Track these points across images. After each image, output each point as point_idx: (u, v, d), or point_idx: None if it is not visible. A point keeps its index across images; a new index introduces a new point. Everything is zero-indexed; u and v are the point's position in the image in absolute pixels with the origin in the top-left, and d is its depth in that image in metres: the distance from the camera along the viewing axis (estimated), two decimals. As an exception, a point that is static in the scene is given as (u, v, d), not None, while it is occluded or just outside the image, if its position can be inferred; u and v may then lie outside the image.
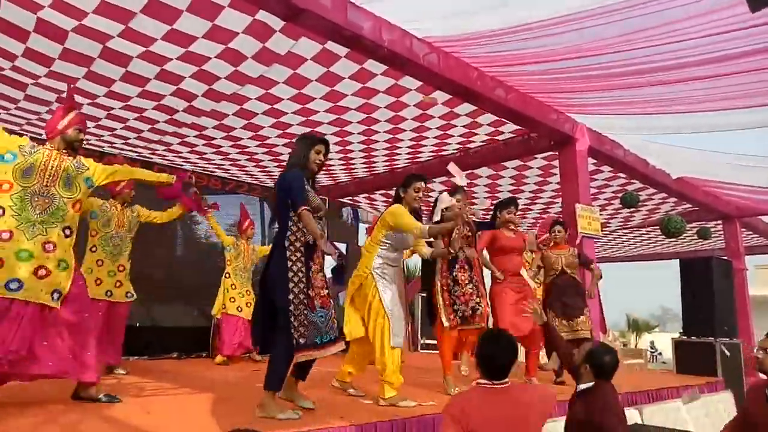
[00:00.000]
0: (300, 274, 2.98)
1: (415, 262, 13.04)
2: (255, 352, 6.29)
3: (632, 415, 3.68)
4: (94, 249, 4.86)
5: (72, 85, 4.35)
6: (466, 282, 4.20)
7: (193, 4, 4.01)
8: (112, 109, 5.69)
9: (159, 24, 4.23)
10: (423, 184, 3.81)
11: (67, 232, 3.16)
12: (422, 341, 9.57)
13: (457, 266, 4.22)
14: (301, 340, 2.91)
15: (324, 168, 8.40)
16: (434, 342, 7.08)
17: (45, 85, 5.24)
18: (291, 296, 2.91)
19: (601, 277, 5.26)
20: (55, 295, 3.04)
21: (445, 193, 4.16)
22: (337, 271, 4.10)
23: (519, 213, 10.42)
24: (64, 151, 3.33)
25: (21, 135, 6.61)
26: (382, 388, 3.55)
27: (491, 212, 5.13)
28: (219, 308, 6.37)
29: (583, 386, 2.89)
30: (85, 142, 3.56)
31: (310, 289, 3.01)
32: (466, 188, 4.41)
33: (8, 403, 3.07)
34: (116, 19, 4.15)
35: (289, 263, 2.97)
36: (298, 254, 3.00)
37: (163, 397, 3.83)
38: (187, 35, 4.39)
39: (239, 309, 6.23)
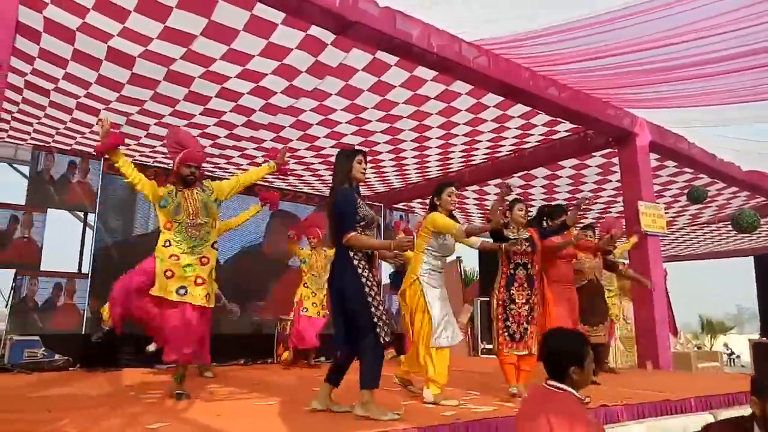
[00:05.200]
0: (371, 279, 3.22)
1: (473, 266, 12.97)
2: (311, 358, 6.53)
3: (706, 419, 3.52)
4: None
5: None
6: (523, 302, 4.05)
7: (249, 24, 4.20)
8: (177, 127, 5.98)
9: (218, 45, 4.45)
10: (454, 189, 3.92)
11: (216, 245, 3.95)
12: (483, 346, 9.47)
13: (515, 284, 4.06)
14: (387, 338, 3.12)
15: (378, 175, 8.49)
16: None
17: (115, 110, 5.59)
18: (369, 299, 3.13)
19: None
20: (209, 297, 3.83)
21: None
22: (395, 277, 4.22)
23: (579, 214, 10.21)
24: (185, 187, 3.85)
25: (97, 157, 7.08)
26: (427, 385, 3.66)
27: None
28: (296, 312, 6.57)
29: None
30: (196, 171, 3.90)
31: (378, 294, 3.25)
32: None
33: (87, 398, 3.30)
34: (179, 43, 4.40)
35: (359, 270, 3.18)
36: (363, 262, 3.22)
37: (232, 402, 3.98)
38: (245, 54, 4.59)
39: (311, 310, 6.44)
